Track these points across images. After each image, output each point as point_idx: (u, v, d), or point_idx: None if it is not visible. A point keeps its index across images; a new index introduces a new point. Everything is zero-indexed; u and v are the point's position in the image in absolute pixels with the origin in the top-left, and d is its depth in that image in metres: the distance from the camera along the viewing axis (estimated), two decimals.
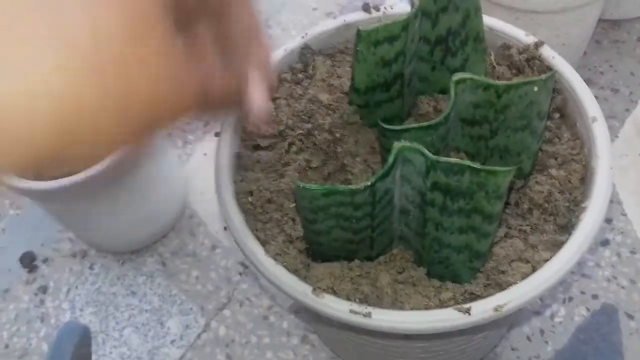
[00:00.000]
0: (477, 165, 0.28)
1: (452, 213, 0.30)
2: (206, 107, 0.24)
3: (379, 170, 0.36)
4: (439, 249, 0.32)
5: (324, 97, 0.39)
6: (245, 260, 0.35)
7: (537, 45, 0.40)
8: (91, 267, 0.55)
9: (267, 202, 0.35)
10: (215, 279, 0.53)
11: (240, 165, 0.38)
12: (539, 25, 0.54)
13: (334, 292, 0.32)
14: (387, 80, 0.35)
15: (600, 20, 0.60)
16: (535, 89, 0.31)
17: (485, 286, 0.32)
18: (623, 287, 0.49)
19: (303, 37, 0.42)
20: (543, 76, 0.31)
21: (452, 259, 0.32)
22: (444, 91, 0.39)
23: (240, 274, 0.53)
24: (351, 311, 0.30)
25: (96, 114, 0.18)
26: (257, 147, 0.39)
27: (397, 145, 0.29)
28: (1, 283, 0.55)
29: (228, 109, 0.27)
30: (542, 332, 0.48)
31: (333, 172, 0.37)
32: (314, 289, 0.31)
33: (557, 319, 0.49)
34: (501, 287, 0.32)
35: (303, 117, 0.38)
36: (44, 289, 0.54)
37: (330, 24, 0.43)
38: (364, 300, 0.32)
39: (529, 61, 0.39)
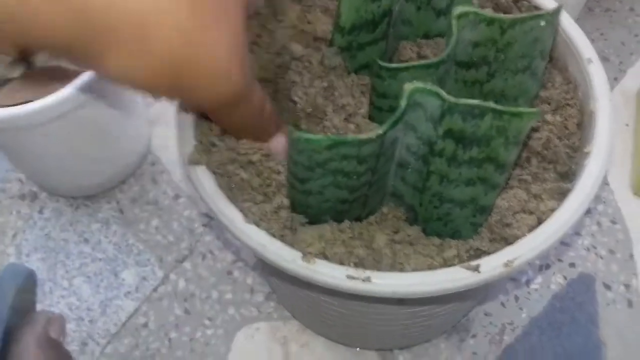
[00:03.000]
0: (501, 107, 0.25)
1: (462, 163, 0.27)
2: None
3: (358, 118, 0.33)
4: (440, 204, 0.29)
5: (297, 48, 0.36)
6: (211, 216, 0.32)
7: None
8: (41, 211, 0.51)
9: (237, 162, 0.31)
10: (176, 229, 0.49)
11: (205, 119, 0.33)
12: None
13: (326, 257, 0.28)
14: (374, 17, 0.32)
15: None
16: (542, 23, 0.28)
17: (490, 241, 0.29)
18: (602, 257, 0.48)
19: None
20: (550, 9, 0.29)
21: (454, 214, 0.29)
22: (427, 36, 0.36)
23: (205, 225, 0.49)
24: (348, 277, 0.27)
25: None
26: None
27: (409, 86, 0.25)
28: None
29: None
30: (517, 298, 0.46)
31: (308, 124, 0.34)
32: (304, 255, 0.28)
33: (533, 286, 0.47)
34: (507, 241, 0.29)
35: (277, 71, 0.34)
36: None
37: None
38: (360, 264, 0.28)
39: (517, 2, 0.36)
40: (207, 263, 0.48)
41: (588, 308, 0.46)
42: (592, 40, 0.59)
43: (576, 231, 0.49)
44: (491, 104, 0.25)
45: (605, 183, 0.51)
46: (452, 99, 0.25)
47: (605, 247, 0.48)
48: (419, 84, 0.25)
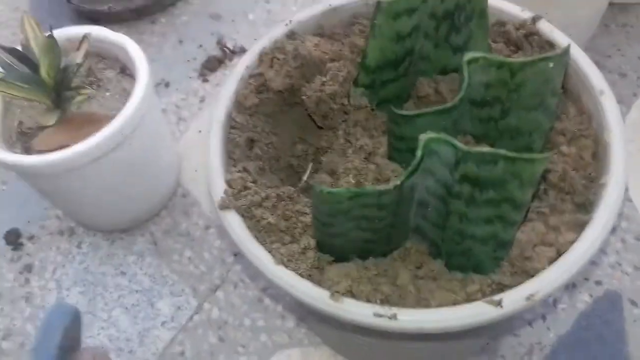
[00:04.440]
0: (512, 154, 0.26)
1: (480, 204, 0.28)
2: None
3: (378, 158, 0.34)
4: (461, 240, 0.30)
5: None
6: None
7: (535, 19, 0.38)
8: (79, 246, 0.53)
9: (263, 206, 0.33)
10: (208, 259, 0.51)
11: (233, 160, 0.36)
12: (549, 5, 0.52)
13: (353, 295, 0.30)
14: (397, 56, 0.34)
15: (609, 4, 0.59)
16: (551, 65, 0.30)
17: (512, 274, 0.30)
18: (627, 274, 0.48)
19: (287, 24, 0.40)
20: (559, 51, 0.30)
21: (475, 249, 0.31)
22: (444, 72, 0.37)
23: (235, 254, 0.51)
24: (375, 314, 0.28)
25: None
26: (251, 142, 0.37)
27: (424, 137, 0.27)
28: None
29: None
30: (544, 318, 0.47)
31: (327, 161, 0.35)
32: (332, 294, 0.29)
33: (559, 305, 0.47)
34: (528, 274, 0.30)
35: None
36: (29, 268, 0.52)
37: (315, 9, 0.41)
38: (386, 301, 0.30)
39: (528, 37, 0.38)
40: (239, 291, 0.50)
41: (615, 325, 0.46)
42: (609, 57, 0.61)
43: (601, 249, 0.49)
44: (503, 152, 0.26)
45: (628, 200, 0.52)
46: (465, 147, 0.26)
47: (631, 263, 0.49)
48: (433, 135, 0.26)
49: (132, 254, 0.52)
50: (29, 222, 0.55)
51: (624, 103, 0.57)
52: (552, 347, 0.46)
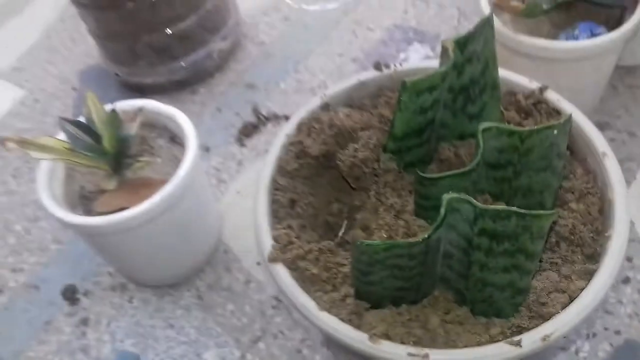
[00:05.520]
0: (522, 210, 0.30)
1: (497, 255, 0.32)
2: None
3: (406, 215, 0.39)
4: (483, 288, 0.34)
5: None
6: (289, 306, 0.37)
7: (542, 89, 0.43)
8: (130, 301, 0.58)
9: (307, 259, 0.37)
10: (249, 312, 0.55)
11: (277, 218, 0.40)
12: (558, 73, 0.57)
13: (389, 337, 0.34)
14: (420, 126, 0.38)
15: (616, 67, 0.63)
16: (555, 132, 0.34)
17: (529, 318, 0.34)
18: None
19: (322, 97, 0.46)
20: (561, 120, 0.34)
21: (496, 296, 0.34)
22: (463, 137, 0.42)
23: (274, 307, 0.55)
24: (409, 354, 0.32)
25: None
26: (293, 202, 0.41)
27: (446, 197, 0.31)
28: (44, 315, 0.57)
29: None
30: None
31: (361, 218, 0.40)
32: (370, 337, 0.33)
33: (581, 354, 0.50)
34: (544, 317, 0.34)
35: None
36: (85, 321, 0.57)
37: (346, 83, 0.47)
38: (418, 343, 0.34)
39: (536, 105, 0.42)
40: (279, 342, 0.53)
41: None
42: (618, 117, 0.65)
43: (619, 300, 0.52)
44: (514, 209, 0.30)
45: None
46: (482, 205, 0.30)
47: None
48: (454, 195, 0.31)
49: (179, 308, 0.56)
50: (83, 278, 0.60)
51: (634, 161, 0.61)
52: None
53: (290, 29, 0.85)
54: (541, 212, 0.30)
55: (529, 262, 0.32)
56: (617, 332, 0.51)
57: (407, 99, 0.36)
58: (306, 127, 0.44)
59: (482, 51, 0.38)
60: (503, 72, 0.44)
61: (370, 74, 0.47)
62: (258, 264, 0.58)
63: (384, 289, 0.34)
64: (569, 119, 0.35)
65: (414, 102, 0.36)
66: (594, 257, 0.36)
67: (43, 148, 0.52)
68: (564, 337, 0.33)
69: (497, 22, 0.57)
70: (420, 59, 0.77)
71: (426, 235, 0.30)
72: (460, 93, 0.40)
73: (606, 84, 0.64)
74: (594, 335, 0.51)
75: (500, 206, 0.30)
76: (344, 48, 0.81)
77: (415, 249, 0.31)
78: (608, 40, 0.54)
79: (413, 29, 0.82)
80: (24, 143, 0.51)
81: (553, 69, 0.56)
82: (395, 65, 0.47)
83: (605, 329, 0.51)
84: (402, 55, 0.78)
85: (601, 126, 0.65)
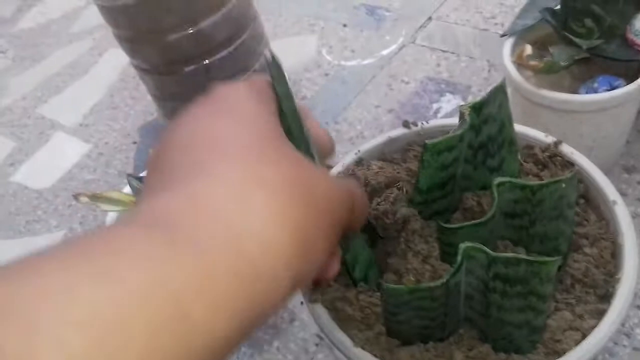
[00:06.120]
0: (530, 257, 0.34)
1: (512, 296, 0.36)
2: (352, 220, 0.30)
3: (432, 260, 0.43)
4: (502, 326, 0.38)
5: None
6: (331, 345, 0.42)
7: (557, 143, 0.47)
8: None
9: (344, 300, 0.41)
10: (294, 349, 0.60)
11: None
12: (581, 122, 0.61)
13: None
14: (443, 180, 0.43)
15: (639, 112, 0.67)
16: (563, 185, 0.38)
17: (545, 354, 0.37)
18: None
19: (357, 153, 0.51)
20: (568, 175, 0.38)
21: (514, 334, 0.38)
22: (485, 187, 0.46)
23: (317, 344, 0.59)
24: None
25: (313, 231, 0.24)
26: None
27: (462, 246, 0.35)
28: None
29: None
30: None
31: (392, 263, 0.44)
32: None
33: None
34: (559, 354, 0.37)
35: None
36: None
37: (378, 140, 0.52)
38: None
39: (552, 158, 0.46)
40: None
41: None
42: None
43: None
44: (523, 256, 0.34)
45: None
46: (493, 253, 0.34)
47: None
48: (469, 244, 0.35)
49: None
50: None
51: None
52: None
53: (329, 84, 0.92)
54: (546, 258, 0.34)
55: (541, 302, 0.36)
56: None
57: (429, 158, 0.40)
58: None
59: (497, 113, 0.42)
60: (521, 128, 0.48)
61: (400, 131, 0.52)
62: (301, 303, 0.63)
63: (411, 327, 0.38)
64: (575, 174, 0.39)
65: (436, 160, 0.41)
66: (606, 298, 0.39)
67: (111, 201, 0.59)
68: None
69: (519, 78, 0.62)
70: (453, 109, 0.82)
71: (444, 280, 0.35)
72: (479, 149, 0.44)
73: (630, 130, 0.67)
74: None
75: (510, 254, 0.34)
76: (380, 100, 0.86)
77: (437, 292, 0.35)
78: (626, 93, 0.57)
79: (445, 81, 0.87)
80: (95, 197, 0.58)
81: (575, 120, 0.60)
82: (422, 123, 0.52)
83: None
84: (435, 106, 0.84)
85: (628, 170, 0.67)
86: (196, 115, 0.26)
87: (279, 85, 0.31)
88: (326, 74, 0.93)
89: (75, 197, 0.59)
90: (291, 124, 0.30)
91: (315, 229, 0.24)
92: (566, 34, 0.62)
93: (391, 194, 0.45)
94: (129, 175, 0.59)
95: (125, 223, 0.21)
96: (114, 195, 0.59)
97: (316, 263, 0.24)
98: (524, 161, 0.47)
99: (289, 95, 0.31)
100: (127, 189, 0.60)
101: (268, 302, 0.21)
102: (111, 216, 0.61)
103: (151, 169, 0.25)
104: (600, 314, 0.38)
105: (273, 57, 0.32)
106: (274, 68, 0.31)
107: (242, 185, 0.22)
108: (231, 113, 0.25)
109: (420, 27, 0.96)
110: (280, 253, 0.22)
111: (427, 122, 0.51)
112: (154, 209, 0.21)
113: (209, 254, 0.20)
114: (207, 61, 0.78)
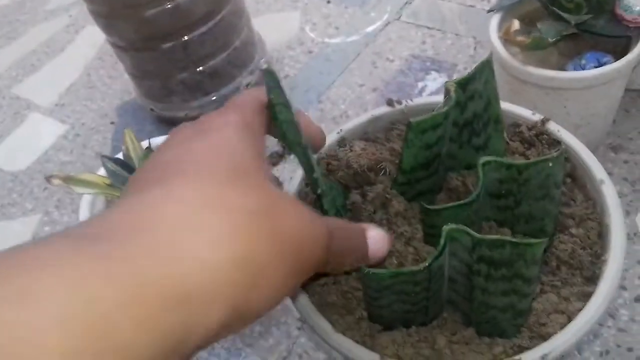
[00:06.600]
0: (515, 239, 0.33)
1: (496, 279, 0.35)
2: (332, 255, 0.29)
3: (415, 242, 0.42)
4: (486, 310, 0.37)
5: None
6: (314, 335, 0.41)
7: (544, 121, 0.45)
8: None
9: (325, 285, 0.40)
10: (276, 333, 0.59)
11: None
12: (567, 100, 0.60)
13: (399, 358, 0.36)
14: (428, 160, 0.41)
15: (627, 90, 0.66)
16: (550, 164, 0.37)
17: (530, 338, 0.36)
18: None
19: (339, 132, 0.49)
20: (555, 153, 0.37)
21: (498, 318, 0.37)
22: (469, 167, 0.44)
23: (299, 328, 0.58)
24: None
25: (270, 265, 0.23)
26: None
27: (446, 228, 0.34)
28: None
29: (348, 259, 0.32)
30: None
31: None
32: (382, 356, 0.36)
33: None
34: (544, 337, 0.36)
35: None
36: None
37: (361, 119, 0.50)
38: None
39: (538, 136, 0.45)
40: None
41: None
42: (631, 139, 0.67)
43: (632, 317, 0.54)
44: (508, 238, 0.33)
45: None
46: (478, 235, 0.33)
47: None
48: (453, 226, 0.34)
49: None
50: None
51: None
52: None
53: (313, 61, 0.90)
54: (532, 240, 0.32)
55: (526, 286, 0.35)
56: (630, 349, 0.52)
57: (413, 137, 0.39)
58: (324, 162, 0.48)
59: (483, 89, 0.41)
60: (507, 106, 0.47)
61: (383, 109, 0.50)
62: None
63: (393, 312, 0.37)
64: (563, 151, 0.37)
65: (420, 139, 0.39)
66: (593, 280, 0.38)
67: (85, 183, 0.57)
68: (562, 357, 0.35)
69: (506, 55, 0.60)
70: (438, 88, 0.80)
71: (427, 264, 0.33)
72: (465, 127, 0.43)
73: (617, 108, 0.66)
74: (607, 352, 0.52)
75: (495, 236, 0.33)
76: (365, 78, 0.84)
77: (419, 276, 0.34)
78: (614, 69, 0.56)
79: (431, 58, 0.85)
80: (68, 179, 0.56)
81: (562, 97, 0.59)
82: (406, 102, 0.50)
83: (618, 346, 0.53)
84: (420, 84, 0.82)
85: (614, 149, 0.67)
86: (179, 138, 0.27)
87: (275, 95, 0.31)
88: (310, 52, 0.91)
89: (48, 179, 0.57)
90: (286, 131, 0.31)
91: (274, 263, 0.23)
92: (554, 9, 0.60)
93: (382, 183, 0.44)
94: (103, 156, 0.57)
95: (65, 234, 0.20)
96: (88, 177, 0.57)
97: (273, 297, 0.24)
98: (510, 139, 0.46)
99: (286, 104, 0.32)
100: (102, 171, 0.58)
101: (199, 325, 0.20)
102: (86, 199, 0.59)
103: (129, 183, 0.25)
104: (586, 297, 0.37)
105: (268, 66, 0.32)
106: (269, 78, 0.32)
107: (195, 206, 0.22)
108: (210, 139, 0.26)
109: (406, 3, 0.94)
110: (217, 278, 0.21)
111: (412, 101, 0.50)
112: (104, 220, 0.21)
113: (142, 270, 0.19)
114: (185, 37, 0.76)
